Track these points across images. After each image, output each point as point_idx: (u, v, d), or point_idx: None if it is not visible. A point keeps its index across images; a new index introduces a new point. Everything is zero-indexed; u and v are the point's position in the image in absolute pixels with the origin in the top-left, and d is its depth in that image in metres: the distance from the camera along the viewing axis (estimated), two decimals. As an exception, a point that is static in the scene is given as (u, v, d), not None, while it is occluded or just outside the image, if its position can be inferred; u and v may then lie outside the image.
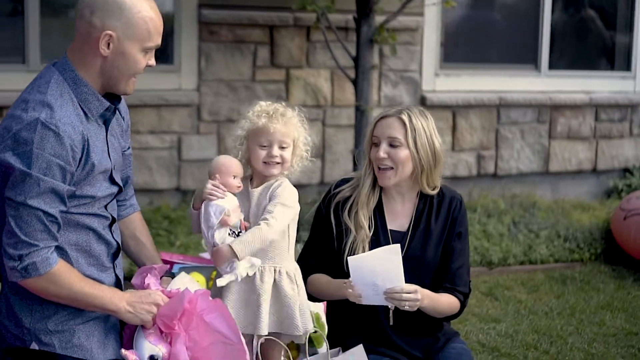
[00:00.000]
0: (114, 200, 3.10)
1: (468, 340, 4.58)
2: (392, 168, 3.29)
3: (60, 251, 2.89)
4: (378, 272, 3.11)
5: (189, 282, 3.06)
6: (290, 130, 3.16)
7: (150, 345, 2.92)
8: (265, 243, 3.04)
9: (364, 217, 3.32)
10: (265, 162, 3.15)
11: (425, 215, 3.38)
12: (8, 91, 6.13)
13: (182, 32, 6.59)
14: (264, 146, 3.15)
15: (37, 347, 2.93)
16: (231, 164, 3.14)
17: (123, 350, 2.91)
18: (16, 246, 2.74)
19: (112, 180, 3.02)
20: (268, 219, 3.04)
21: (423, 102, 7.27)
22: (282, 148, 3.15)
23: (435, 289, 3.34)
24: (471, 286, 3.45)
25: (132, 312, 2.90)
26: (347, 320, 3.39)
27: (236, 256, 2.99)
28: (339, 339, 3.40)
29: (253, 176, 3.21)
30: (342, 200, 3.37)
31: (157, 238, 5.76)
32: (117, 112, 3.05)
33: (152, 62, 2.98)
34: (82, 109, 2.89)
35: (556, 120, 7.83)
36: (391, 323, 3.30)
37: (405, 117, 3.30)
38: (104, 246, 3.03)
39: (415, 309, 3.18)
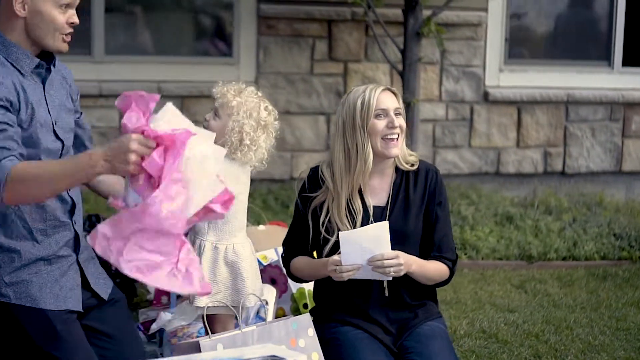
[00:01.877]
0: (63, 157, 3.29)
1: (472, 327, 4.59)
2: (398, 136, 3.41)
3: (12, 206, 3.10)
4: (366, 248, 3.22)
5: (173, 117, 2.71)
6: (229, 104, 3.32)
7: (134, 194, 2.74)
8: None
9: (349, 208, 3.43)
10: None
11: (404, 188, 3.47)
12: (75, 80, 6.52)
13: (241, 26, 6.83)
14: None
15: None
16: None
17: (111, 198, 2.75)
18: None
19: (55, 135, 3.23)
20: None
21: (486, 97, 7.25)
22: (214, 116, 3.34)
23: (424, 259, 3.43)
24: (457, 253, 3.55)
25: (110, 166, 2.81)
26: (331, 295, 3.50)
27: None
28: (323, 313, 3.53)
29: None
30: (318, 205, 3.47)
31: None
32: (51, 70, 3.20)
33: (75, 19, 3.17)
34: (14, 67, 3.12)
35: (630, 119, 7.63)
36: (386, 294, 3.41)
37: (392, 89, 3.44)
38: (58, 203, 3.22)
39: (402, 274, 3.27)
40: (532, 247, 5.92)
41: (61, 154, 3.23)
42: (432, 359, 3.37)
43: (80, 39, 6.58)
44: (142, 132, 2.63)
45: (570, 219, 6.60)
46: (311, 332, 3.33)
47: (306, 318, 3.35)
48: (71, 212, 3.29)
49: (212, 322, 3.37)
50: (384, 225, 3.23)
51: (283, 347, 3.19)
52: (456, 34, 7.13)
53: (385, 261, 3.23)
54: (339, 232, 3.29)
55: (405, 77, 6.24)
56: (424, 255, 3.47)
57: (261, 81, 6.86)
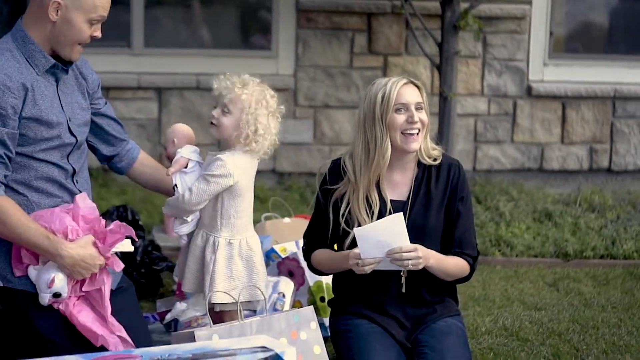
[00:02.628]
0: (76, 153, 3.36)
1: (495, 324, 4.51)
2: (418, 132, 3.38)
3: (17, 193, 3.19)
4: (383, 242, 3.19)
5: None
6: (239, 98, 3.31)
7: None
8: (181, 212, 3.33)
9: (368, 201, 3.40)
10: (210, 122, 3.36)
11: (425, 183, 3.44)
12: (114, 73, 6.61)
13: (280, 19, 6.83)
14: (214, 107, 3.34)
15: (1, 284, 3.25)
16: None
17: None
18: None
19: (70, 132, 3.30)
20: (188, 191, 3.32)
21: (529, 92, 7.13)
22: (223, 112, 3.31)
23: (444, 254, 3.41)
24: (479, 249, 3.50)
25: (67, 265, 3.12)
26: (350, 287, 3.48)
27: None
28: (340, 305, 3.51)
29: None
30: (339, 197, 3.45)
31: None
32: (68, 71, 3.32)
33: (98, 33, 3.30)
34: (30, 64, 3.19)
35: (680, 115, 7.43)
36: (404, 290, 3.38)
37: (417, 83, 3.40)
38: (67, 194, 3.31)
39: (420, 267, 3.25)
40: (569, 245, 5.80)
41: (74, 147, 3.30)
42: (444, 354, 3.34)
43: (120, 32, 6.66)
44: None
45: (614, 217, 6.45)
46: (314, 325, 3.31)
47: (309, 311, 3.33)
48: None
49: (222, 315, 3.37)
50: (399, 217, 3.20)
51: (282, 340, 3.19)
52: (499, 27, 7.02)
53: (404, 254, 3.21)
54: (354, 229, 3.27)
55: (442, 70, 6.16)
56: (445, 251, 3.45)
57: (300, 75, 6.85)
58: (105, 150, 3.57)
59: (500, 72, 7.11)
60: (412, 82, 3.40)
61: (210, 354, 2.66)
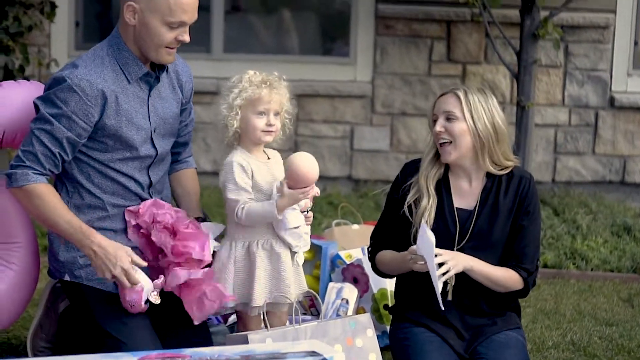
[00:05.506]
0: (157, 166, 3.42)
1: (563, 339, 4.42)
2: (450, 142, 3.36)
3: (94, 197, 3.32)
4: (427, 255, 3.21)
5: None
6: (283, 99, 3.31)
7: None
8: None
9: (425, 185, 3.40)
10: (263, 131, 3.30)
11: (494, 194, 3.43)
12: (194, 77, 6.69)
13: (358, 26, 6.83)
14: (262, 114, 3.30)
15: (68, 279, 3.34)
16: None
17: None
18: (15, 157, 3.21)
19: (152, 143, 3.35)
20: None
21: (612, 103, 6.97)
22: (276, 116, 3.31)
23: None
24: (539, 264, 3.47)
25: (94, 256, 3.20)
26: (410, 293, 3.48)
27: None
28: (400, 312, 3.51)
29: (240, 144, 3.32)
30: (408, 186, 3.47)
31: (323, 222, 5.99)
32: (160, 79, 3.35)
33: (185, 37, 3.28)
34: (123, 71, 3.26)
35: None
36: (449, 298, 3.36)
37: (460, 93, 3.39)
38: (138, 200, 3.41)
39: (459, 267, 3.26)
40: (646, 260, 5.65)
41: (153, 161, 3.36)
42: (502, 366, 3.30)
43: (200, 37, 6.76)
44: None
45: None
46: (370, 332, 3.31)
47: (366, 318, 3.33)
48: None
49: (271, 317, 3.37)
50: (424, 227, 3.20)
51: (337, 346, 3.19)
52: (582, 36, 6.89)
53: (439, 258, 3.20)
54: (422, 221, 3.27)
55: (520, 79, 6.08)
56: (503, 262, 3.41)
57: (377, 82, 6.84)
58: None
59: (582, 82, 6.98)
60: (454, 92, 3.38)
61: (260, 356, 2.68)
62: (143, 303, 3.20)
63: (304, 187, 3.22)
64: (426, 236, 3.17)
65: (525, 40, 6.02)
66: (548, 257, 5.61)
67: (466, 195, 3.45)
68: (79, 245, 3.21)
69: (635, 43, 7.04)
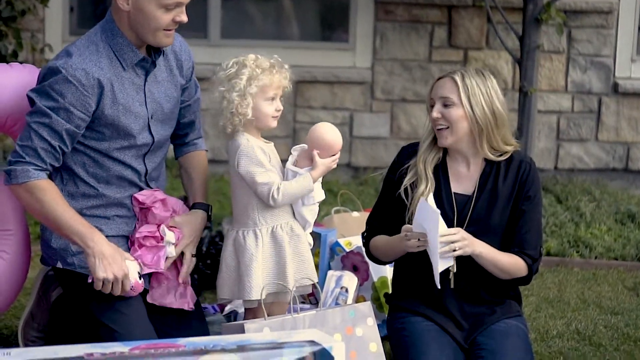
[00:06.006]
0: (154, 154, 3.33)
1: (567, 328, 4.33)
2: (447, 127, 3.28)
3: (89, 186, 3.21)
4: (429, 229, 3.11)
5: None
6: (286, 82, 3.24)
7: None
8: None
9: (423, 170, 3.32)
10: (273, 117, 3.22)
11: (492, 178, 3.35)
12: (191, 64, 6.59)
13: (357, 11, 6.72)
14: (272, 100, 3.21)
15: (61, 266, 3.25)
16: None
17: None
18: (13, 153, 3.10)
19: (149, 130, 3.26)
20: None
21: (616, 89, 6.87)
22: (280, 99, 3.23)
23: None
24: (542, 251, 3.38)
25: (92, 257, 3.10)
26: (408, 281, 3.40)
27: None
28: (397, 301, 3.43)
29: (247, 130, 3.23)
30: (405, 169, 3.39)
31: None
32: (156, 64, 3.25)
33: (182, 17, 3.18)
34: (117, 57, 3.15)
35: None
36: (452, 286, 3.28)
37: (457, 77, 3.29)
38: (137, 191, 3.34)
39: (468, 250, 3.17)
40: (651, 247, 5.55)
41: (150, 149, 3.26)
42: (503, 357, 3.21)
43: (197, 23, 6.65)
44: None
45: None
46: (370, 321, 3.22)
47: (366, 307, 3.24)
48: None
49: (272, 307, 3.28)
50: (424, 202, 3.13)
51: (336, 335, 3.09)
52: (584, 21, 6.78)
53: (450, 236, 3.12)
54: (421, 198, 3.19)
55: (522, 65, 5.98)
56: (505, 248, 3.33)
57: (377, 68, 6.74)
58: (175, 129, 3.50)
59: (585, 68, 6.87)
60: (451, 77, 3.29)
61: (256, 345, 2.59)
62: (139, 281, 3.14)
63: (333, 155, 3.25)
64: (430, 208, 3.07)
65: (528, 25, 5.93)
66: (551, 245, 5.52)
67: (464, 180, 3.37)
68: (79, 243, 3.12)
69: (639, 28, 6.94)
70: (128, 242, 3.29)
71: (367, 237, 3.50)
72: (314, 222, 4.67)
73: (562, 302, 4.76)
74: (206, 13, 6.66)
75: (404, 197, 3.32)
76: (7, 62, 5.51)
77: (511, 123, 6.50)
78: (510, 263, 3.29)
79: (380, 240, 3.42)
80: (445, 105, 3.28)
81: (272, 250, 3.20)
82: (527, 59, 5.96)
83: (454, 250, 3.13)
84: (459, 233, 3.15)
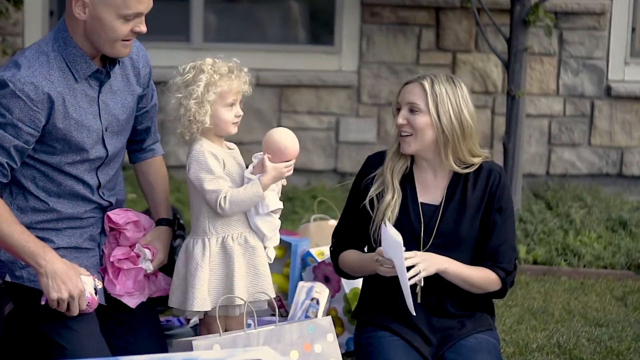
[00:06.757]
0: (107, 166, 3.20)
1: (548, 341, 4.18)
2: (411, 135, 3.15)
3: (39, 200, 3.07)
4: (395, 257, 2.99)
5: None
6: (245, 86, 3.11)
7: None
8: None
9: (390, 180, 3.19)
10: (233, 123, 3.09)
11: (461, 188, 3.21)
12: (172, 67, 6.46)
13: (343, 13, 6.61)
14: (230, 105, 3.08)
15: (9, 279, 3.12)
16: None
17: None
18: None
19: (103, 143, 3.12)
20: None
21: (608, 92, 6.72)
22: (240, 104, 3.11)
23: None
24: (517, 263, 3.25)
25: (43, 276, 2.94)
26: (375, 296, 3.28)
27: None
28: (363, 315, 3.31)
29: (206, 136, 3.10)
30: (371, 179, 3.27)
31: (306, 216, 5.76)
32: (111, 75, 3.13)
33: (141, 28, 3.04)
34: (69, 69, 3.01)
35: None
36: (418, 301, 3.14)
37: (426, 83, 3.15)
38: (90, 205, 3.20)
39: (432, 269, 3.05)
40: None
41: (103, 162, 3.13)
42: (472, 374, 3.07)
43: (179, 25, 6.53)
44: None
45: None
46: (331, 337, 3.08)
47: (327, 322, 3.09)
48: (102, 209, 3.24)
49: (229, 322, 3.15)
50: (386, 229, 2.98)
51: (293, 352, 2.95)
52: (576, 23, 6.64)
53: (410, 260, 2.99)
54: (382, 223, 3.05)
55: (510, 67, 5.83)
56: (476, 262, 3.20)
57: (363, 71, 6.61)
58: (131, 135, 3.38)
59: (577, 71, 6.73)
60: (419, 82, 3.15)
61: (198, 365, 2.45)
62: (95, 297, 3.00)
63: (287, 161, 3.08)
64: (391, 237, 2.93)
65: (516, 27, 5.78)
66: (539, 253, 5.38)
67: (431, 189, 3.23)
68: (31, 263, 2.96)
69: (633, 30, 6.80)
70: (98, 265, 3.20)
71: (334, 252, 3.38)
72: (289, 232, 4.58)
73: (546, 313, 4.60)
74: (188, 16, 6.53)
75: (369, 209, 3.19)
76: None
77: (500, 127, 6.41)
78: (481, 277, 3.16)
79: (350, 256, 3.30)
80: (412, 111, 3.15)
81: (221, 262, 3.06)
82: (515, 62, 5.80)
83: (419, 273, 3.00)
84: (417, 256, 3.03)
